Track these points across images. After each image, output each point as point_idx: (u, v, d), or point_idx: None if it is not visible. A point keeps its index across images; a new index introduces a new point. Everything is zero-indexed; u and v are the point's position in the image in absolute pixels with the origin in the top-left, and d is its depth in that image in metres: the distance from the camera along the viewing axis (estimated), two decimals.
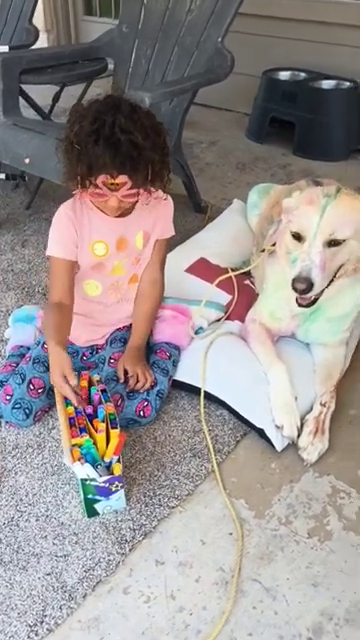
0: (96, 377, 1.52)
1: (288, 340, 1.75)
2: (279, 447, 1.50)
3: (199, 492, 1.42)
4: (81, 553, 1.27)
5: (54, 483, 1.43)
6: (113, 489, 1.31)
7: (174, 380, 1.66)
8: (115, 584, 1.23)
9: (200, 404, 1.63)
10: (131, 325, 1.72)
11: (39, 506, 1.37)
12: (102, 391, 1.47)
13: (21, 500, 1.39)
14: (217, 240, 2.17)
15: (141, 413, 1.55)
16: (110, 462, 1.32)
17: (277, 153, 3.43)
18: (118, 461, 1.32)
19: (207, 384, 1.63)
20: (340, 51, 3.40)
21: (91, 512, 1.34)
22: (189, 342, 1.73)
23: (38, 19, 3.77)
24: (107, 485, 1.30)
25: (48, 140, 2.05)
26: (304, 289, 1.47)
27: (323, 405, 1.56)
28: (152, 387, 1.59)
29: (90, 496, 1.31)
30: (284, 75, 3.52)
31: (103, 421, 1.38)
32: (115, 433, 1.35)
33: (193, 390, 1.65)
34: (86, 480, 1.28)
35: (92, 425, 1.39)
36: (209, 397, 1.63)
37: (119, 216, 1.55)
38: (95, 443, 1.34)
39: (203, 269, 2.00)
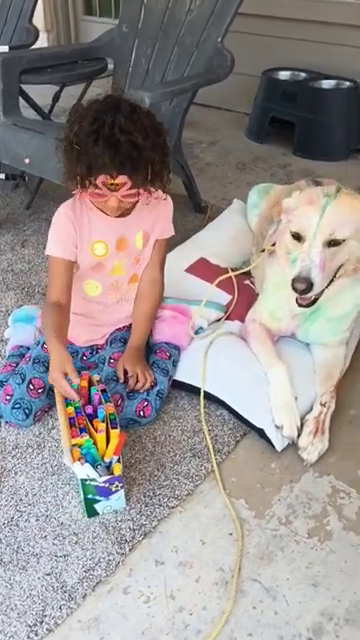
0: (96, 377, 1.52)
1: (288, 340, 1.75)
2: (279, 447, 1.50)
3: (199, 492, 1.42)
4: (81, 553, 1.27)
5: (54, 483, 1.43)
6: (113, 489, 1.31)
7: (174, 380, 1.66)
8: (115, 584, 1.23)
9: (200, 404, 1.63)
10: (131, 325, 1.72)
11: (39, 506, 1.37)
12: (102, 391, 1.46)
13: (21, 500, 1.39)
14: (217, 240, 2.17)
15: (141, 413, 1.55)
16: (110, 462, 1.32)
17: (277, 153, 3.43)
18: (118, 461, 1.32)
19: (207, 384, 1.63)
20: (340, 51, 3.40)
21: (91, 512, 1.34)
22: (189, 342, 1.73)
23: (38, 19, 3.77)
24: (107, 485, 1.30)
25: (48, 140, 2.05)
26: (304, 289, 1.46)
27: (323, 405, 1.56)
28: (152, 387, 1.59)
29: (90, 496, 1.31)
30: (284, 75, 3.52)
31: (103, 421, 1.38)
32: (115, 433, 1.35)
33: (193, 390, 1.65)
34: (86, 480, 1.28)
35: (92, 425, 1.39)
36: (209, 397, 1.63)
37: (119, 216, 1.55)
38: (95, 443, 1.34)
39: (203, 269, 2.00)
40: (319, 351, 1.71)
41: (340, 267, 1.54)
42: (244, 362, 1.65)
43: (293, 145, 3.41)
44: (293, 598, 1.20)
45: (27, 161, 2.17)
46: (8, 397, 1.55)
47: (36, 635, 1.13)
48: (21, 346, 1.73)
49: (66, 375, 1.38)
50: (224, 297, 1.89)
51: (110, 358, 1.66)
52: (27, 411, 1.54)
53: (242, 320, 1.80)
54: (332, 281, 1.55)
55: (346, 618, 1.17)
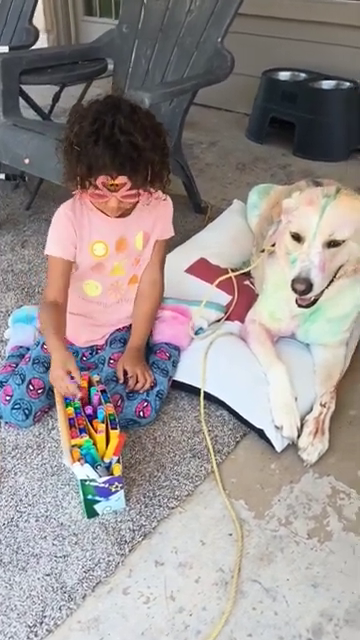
0: (96, 378, 1.52)
1: (288, 340, 1.75)
2: (279, 448, 1.50)
3: (199, 493, 1.41)
4: (81, 554, 1.27)
5: (54, 484, 1.43)
6: (113, 490, 1.31)
7: (174, 381, 1.66)
8: (115, 585, 1.22)
9: (200, 405, 1.63)
10: (131, 326, 1.72)
11: (39, 507, 1.37)
12: (102, 392, 1.46)
13: (21, 501, 1.39)
14: (217, 240, 2.17)
15: (141, 414, 1.55)
16: (110, 463, 1.32)
17: (277, 153, 3.43)
18: (118, 462, 1.32)
19: (207, 385, 1.63)
20: (340, 51, 3.40)
21: (91, 513, 1.34)
22: (189, 343, 1.73)
23: (38, 19, 3.77)
24: (107, 486, 1.30)
25: (48, 140, 2.05)
26: (303, 290, 1.46)
27: (323, 406, 1.56)
28: (152, 388, 1.59)
29: (90, 497, 1.31)
30: (284, 75, 3.53)
31: (103, 422, 1.38)
32: (115, 434, 1.35)
33: (193, 391, 1.65)
34: (86, 481, 1.28)
35: (92, 426, 1.39)
36: (209, 398, 1.63)
37: (119, 217, 1.55)
38: (95, 444, 1.34)
39: (203, 269, 2.00)
40: (319, 352, 1.71)
41: (340, 268, 1.54)
42: (244, 363, 1.65)
43: (293, 145, 3.41)
44: (293, 599, 1.20)
45: (27, 161, 2.17)
46: (8, 397, 1.55)
47: (36, 636, 1.13)
48: (21, 346, 1.73)
49: (68, 374, 1.38)
50: (224, 297, 1.89)
51: (110, 359, 1.66)
52: (27, 411, 1.54)
53: (242, 321, 1.80)
54: (332, 282, 1.55)
55: (346, 619, 1.17)
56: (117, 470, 1.31)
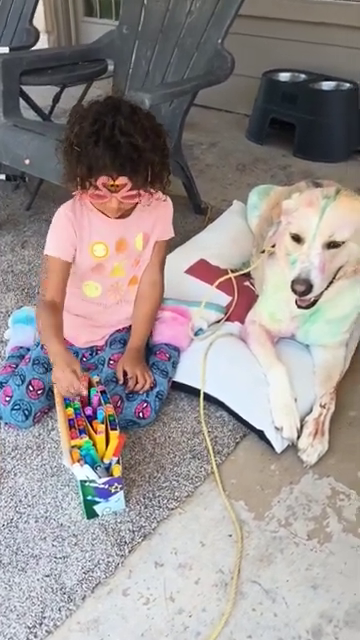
0: (95, 378, 1.52)
1: (288, 341, 1.75)
2: (279, 449, 1.50)
3: (199, 494, 1.41)
4: (80, 555, 1.27)
5: (53, 484, 1.43)
6: (112, 490, 1.31)
7: (174, 381, 1.66)
8: (114, 586, 1.22)
9: (200, 405, 1.63)
10: (131, 326, 1.72)
11: (38, 507, 1.37)
12: (101, 392, 1.46)
13: (20, 501, 1.39)
14: (217, 241, 2.17)
15: (140, 414, 1.55)
16: (109, 463, 1.32)
17: (277, 154, 3.43)
18: (117, 462, 1.32)
19: (207, 385, 1.63)
20: (340, 52, 3.40)
21: (90, 514, 1.34)
22: (189, 343, 1.73)
23: (38, 20, 3.78)
24: (106, 487, 1.30)
25: (48, 141, 2.05)
26: (303, 291, 1.46)
27: (323, 407, 1.56)
28: (151, 388, 1.59)
29: (89, 498, 1.31)
30: (284, 76, 3.53)
31: (102, 422, 1.38)
32: (114, 434, 1.35)
33: (193, 391, 1.65)
34: (85, 482, 1.28)
35: (91, 426, 1.39)
36: (209, 398, 1.63)
37: (119, 217, 1.54)
38: (94, 444, 1.34)
39: (203, 270, 2.00)
40: (319, 352, 1.71)
41: (340, 269, 1.54)
42: (244, 363, 1.65)
43: (293, 146, 3.41)
44: (293, 600, 1.20)
45: (27, 162, 2.17)
46: (8, 398, 1.55)
47: (35, 637, 1.13)
48: (21, 347, 1.73)
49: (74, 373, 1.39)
50: (224, 298, 1.89)
51: (110, 359, 1.66)
52: (27, 412, 1.54)
53: (242, 321, 1.80)
54: (332, 283, 1.55)
55: (345, 620, 1.16)
56: (117, 471, 1.30)
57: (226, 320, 1.82)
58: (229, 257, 2.09)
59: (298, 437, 1.50)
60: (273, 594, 1.21)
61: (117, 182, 1.38)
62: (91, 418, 1.42)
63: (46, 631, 1.14)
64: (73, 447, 1.31)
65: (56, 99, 3.00)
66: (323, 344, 1.71)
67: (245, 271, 1.96)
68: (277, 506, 1.39)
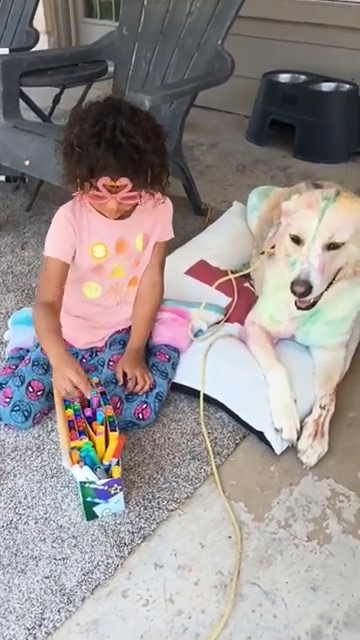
0: (95, 380, 1.52)
1: (287, 343, 1.75)
2: (278, 450, 1.50)
3: (198, 495, 1.41)
4: (80, 556, 1.27)
5: (53, 486, 1.42)
6: (112, 492, 1.31)
7: (173, 382, 1.66)
8: (114, 587, 1.22)
9: (199, 407, 1.62)
10: (130, 327, 1.72)
11: (38, 509, 1.37)
12: (101, 394, 1.46)
13: (20, 503, 1.39)
14: (217, 242, 2.17)
15: (140, 415, 1.55)
16: (109, 465, 1.32)
17: (277, 155, 3.43)
18: (117, 464, 1.32)
19: (206, 387, 1.63)
20: (340, 53, 3.40)
21: (90, 515, 1.34)
22: (188, 345, 1.72)
23: (39, 21, 3.78)
24: (106, 488, 1.30)
25: (48, 142, 2.05)
26: (303, 292, 1.46)
27: (322, 408, 1.56)
28: (151, 389, 1.59)
29: (89, 499, 1.31)
30: (284, 78, 3.53)
31: (102, 424, 1.38)
32: (114, 436, 1.35)
33: (192, 393, 1.65)
34: (85, 483, 1.28)
35: (91, 428, 1.39)
36: (208, 400, 1.63)
37: (118, 218, 1.54)
38: (94, 446, 1.34)
39: (203, 271, 2.00)
40: (319, 354, 1.71)
41: (339, 270, 1.54)
42: (243, 365, 1.65)
43: (293, 148, 3.41)
44: (292, 601, 1.20)
45: (27, 163, 2.17)
46: (7, 399, 1.54)
47: (35, 638, 1.13)
48: (21, 348, 1.73)
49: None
50: (224, 299, 1.89)
51: (109, 360, 1.66)
52: (26, 413, 1.54)
53: (242, 323, 1.80)
54: (331, 284, 1.55)
55: (345, 622, 1.16)
56: (116, 472, 1.30)
57: (226, 321, 1.82)
58: (229, 258, 2.09)
59: (298, 438, 1.50)
60: (273, 595, 1.21)
61: (118, 183, 1.38)
62: (91, 419, 1.41)
63: (45, 632, 1.14)
64: (73, 448, 1.31)
65: (56, 100, 3.00)
66: (323, 345, 1.71)
67: (245, 272, 1.96)
68: (277, 507, 1.39)
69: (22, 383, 1.56)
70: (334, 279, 1.55)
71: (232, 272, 1.98)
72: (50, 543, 1.30)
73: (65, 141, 1.41)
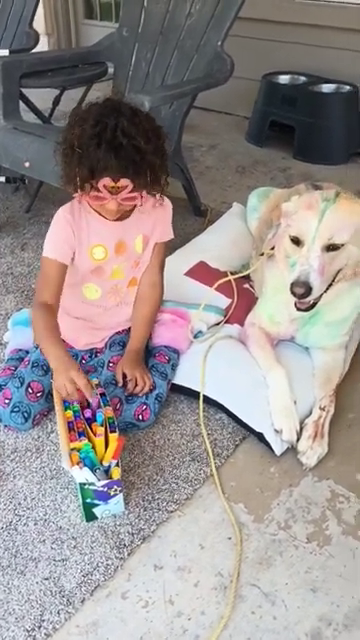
0: (95, 381, 1.52)
1: (287, 344, 1.75)
2: (278, 451, 1.50)
3: (198, 496, 1.41)
4: (79, 557, 1.27)
5: (53, 487, 1.42)
6: (112, 493, 1.31)
7: (173, 384, 1.66)
8: (113, 589, 1.22)
9: (199, 408, 1.62)
10: (130, 329, 1.72)
11: (37, 510, 1.37)
12: (101, 395, 1.46)
13: (19, 504, 1.38)
14: (217, 244, 2.17)
15: (140, 417, 1.55)
16: (109, 466, 1.32)
17: (277, 157, 3.43)
18: (117, 465, 1.32)
19: (206, 388, 1.63)
20: (340, 55, 3.40)
21: (90, 516, 1.34)
22: (188, 346, 1.72)
23: (39, 23, 3.78)
24: (106, 489, 1.30)
25: (48, 144, 2.05)
26: (302, 293, 1.46)
27: (322, 409, 1.56)
28: (151, 391, 1.59)
29: (89, 500, 1.30)
30: (284, 79, 3.54)
31: (102, 425, 1.38)
32: (114, 437, 1.35)
33: (192, 394, 1.65)
34: (85, 484, 1.28)
35: (91, 429, 1.38)
36: (208, 401, 1.63)
37: (118, 220, 1.54)
38: (94, 447, 1.34)
39: (202, 273, 2.00)
40: (318, 355, 1.71)
41: (339, 271, 1.54)
42: (243, 366, 1.65)
43: (293, 149, 3.41)
44: (292, 603, 1.20)
45: (27, 164, 2.17)
46: (7, 401, 1.54)
47: None
48: (20, 349, 1.73)
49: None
50: (223, 301, 1.89)
51: (109, 362, 1.66)
52: (26, 415, 1.54)
53: (241, 324, 1.80)
54: (331, 285, 1.55)
55: (345, 623, 1.16)
56: (116, 473, 1.30)
57: (225, 322, 1.82)
58: (229, 259, 2.09)
59: (297, 440, 1.50)
60: (272, 597, 1.21)
61: (118, 184, 1.38)
62: (90, 421, 1.41)
63: (45, 634, 1.14)
64: (72, 450, 1.31)
65: (56, 102, 3.00)
66: (322, 346, 1.71)
67: (245, 273, 1.96)
68: (276, 509, 1.39)
69: (22, 384, 1.56)
70: (334, 280, 1.55)
71: (232, 273, 1.98)
72: (50, 544, 1.30)
73: (65, 142, 1.41)
